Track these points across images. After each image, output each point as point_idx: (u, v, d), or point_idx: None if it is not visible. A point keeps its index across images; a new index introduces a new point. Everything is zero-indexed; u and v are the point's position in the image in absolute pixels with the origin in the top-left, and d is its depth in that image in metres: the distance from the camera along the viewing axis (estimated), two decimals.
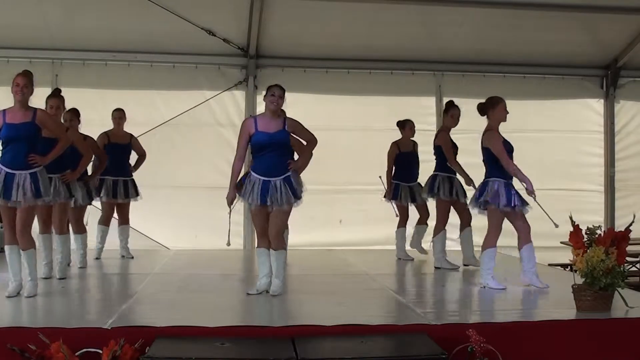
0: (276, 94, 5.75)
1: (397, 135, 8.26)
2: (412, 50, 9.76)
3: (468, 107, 9.99)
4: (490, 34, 9.35)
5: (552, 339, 4.63)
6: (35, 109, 5.51)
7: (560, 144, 9.96)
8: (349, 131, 9.77)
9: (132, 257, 7.93)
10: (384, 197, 8.13)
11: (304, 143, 5.98)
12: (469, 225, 7.39)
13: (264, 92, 9.68)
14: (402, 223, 8.18)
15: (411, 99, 9.99)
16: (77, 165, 6.51)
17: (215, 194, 7.83)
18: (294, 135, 5.90)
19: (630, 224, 5.24)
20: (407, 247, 8.26)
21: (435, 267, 7.38)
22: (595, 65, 10.32)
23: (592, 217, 9.02)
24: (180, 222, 9.27)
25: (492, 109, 6.14)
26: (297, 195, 5.67)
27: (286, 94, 9.70)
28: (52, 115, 5.89)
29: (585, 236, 5.10)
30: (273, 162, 5.64)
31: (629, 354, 4.66)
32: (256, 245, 6.02)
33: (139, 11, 8.62)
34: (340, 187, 9.67)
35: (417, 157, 8.13)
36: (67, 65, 9.35)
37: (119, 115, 7.83)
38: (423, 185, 7.77)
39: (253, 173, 5.69)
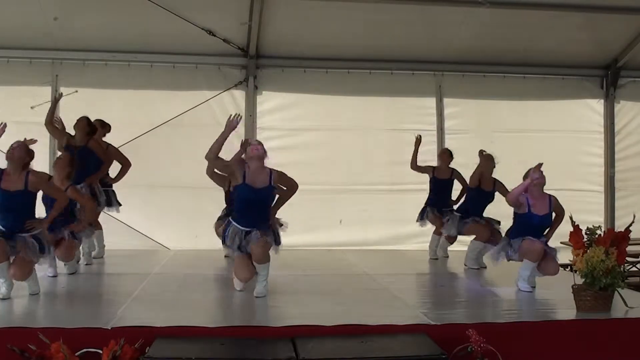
0: (255, 143, 5.80)
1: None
2: (412, 50, 9.75)
3: (468, 106, 10.03)
4: (490, 34, 9.34)
5: (552, 339, 4.63)
6: (27, 173, 5.44)
7: (560, 144, 9.95)
8: (349, 131, 9.76)
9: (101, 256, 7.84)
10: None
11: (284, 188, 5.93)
12: (491, 244, 7.44)
13: (264, 92, 9.74)
14: (437, 232, 8.30)
15: (411, 99, 10.00)
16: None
17: (215, 194, 7.85)
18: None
19: (630, 224, 5.25)
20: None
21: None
22: (595, 65, 10.31)
23: (592, 217, 9.03)
24: (180, 222, 9.26)
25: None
26: (277, 242, 5.71)
27: (286, 94, 9.84)
28: (44, 178, 5.79)
29: (585, 236, 5.11)
30: (257, 216, 5.65)
31: (629, 354, 4.66)
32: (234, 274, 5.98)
33: (139, 11, 8.61)
34: (340, 187, 9.67)
35: (452, 185, 8.23)
36: (67, 65, 9.33)
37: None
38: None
39: (235, 224, 5.68)
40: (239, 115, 5.78)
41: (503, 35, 9.37)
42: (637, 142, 10.41)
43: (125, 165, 7.75)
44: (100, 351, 4.09)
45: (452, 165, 8.26)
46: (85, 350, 4.14)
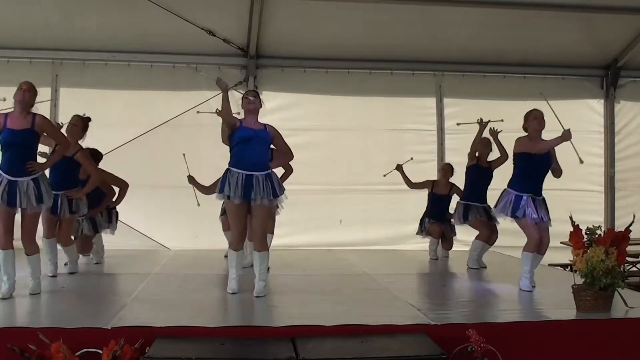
0: (250, 96, 5.85)
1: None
2: (412, 50, 9.75)
3: (467, 106, 10.02)
4: (490, 34, 9.34)
5: (553, 339, 4.63)
6: (34, 115, 5.50)
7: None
8: (349, 131, 9.77)
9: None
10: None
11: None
12: (488, 244, 7.57)
13: (264, 92, 9.72)
14: (436, 237, 8.37)
15: (411, 99, 10.00)
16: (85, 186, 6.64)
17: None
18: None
19: (630, 224, 5.24)
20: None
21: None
22: (595, 65, 10.32)
23: (592, 217, 9.03)
24: (180, 222, 9.26)
25: (525, 121, 6.46)
26: (277, 194, 5.65)
27: (286, 94, 9.80)
28: (50, 122, 5.85)
29: (585, 236, 5.10)
30: (255, 156, 5.64)
31: (629, 354, 4.66)
32: (228, 247, 5.98)
33: (139, 11, 8.61)
34: (340, 187, 9.68)
35: (450, 200, 8.31)
36: (67, 65, 9.34)
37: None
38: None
39: (233, 169, 5.63)
40: (219, 79, 5.77)
41: (503, 35, 9.37)
42: (637, 142, 10.42)
43: (123, 187, 7.73)
44: (100, 351, 4.09)
45: (453, 166, 8.30)
46: (85, 350, 4.13)
